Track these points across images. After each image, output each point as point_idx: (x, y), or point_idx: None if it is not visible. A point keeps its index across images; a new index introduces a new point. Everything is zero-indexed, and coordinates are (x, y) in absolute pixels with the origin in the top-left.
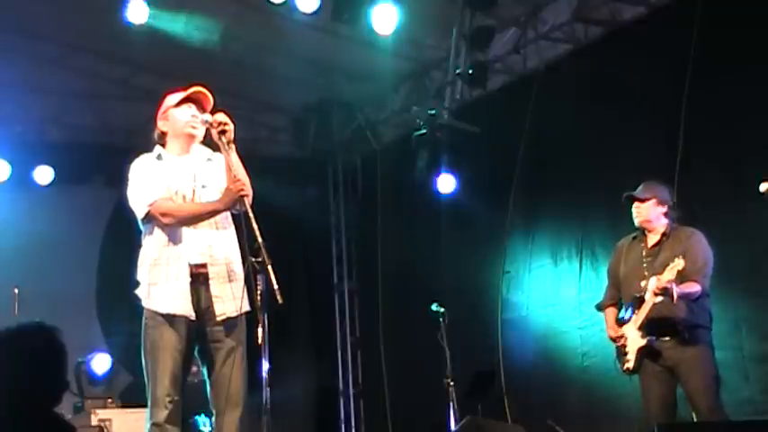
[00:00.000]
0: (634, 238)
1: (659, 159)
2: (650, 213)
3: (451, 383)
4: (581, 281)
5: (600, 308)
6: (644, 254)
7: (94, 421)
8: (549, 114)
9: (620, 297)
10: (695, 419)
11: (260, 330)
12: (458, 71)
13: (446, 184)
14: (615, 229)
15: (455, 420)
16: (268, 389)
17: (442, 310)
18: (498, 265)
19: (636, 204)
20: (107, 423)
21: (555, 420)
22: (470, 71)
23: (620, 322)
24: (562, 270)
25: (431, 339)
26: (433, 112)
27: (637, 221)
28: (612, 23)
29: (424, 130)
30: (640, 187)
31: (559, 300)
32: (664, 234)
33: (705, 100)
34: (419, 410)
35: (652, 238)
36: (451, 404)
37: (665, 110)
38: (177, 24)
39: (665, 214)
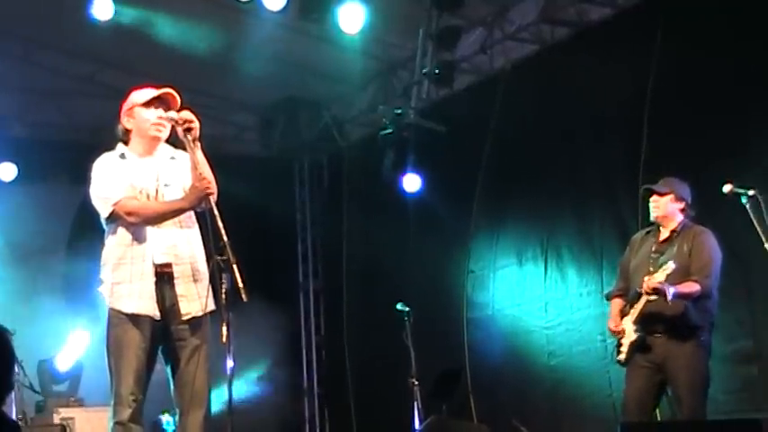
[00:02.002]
0: (648, 232)
1: (624, 159)
2: (667, 208)
3: (416, 383)
4: (546, 281)
5: (607, 297)
6: (653, 249)
7: (57, 420)
8: (516, 114)
9: (629, 289)
10: (659, 419)
11: (224, 329)
12: (424, 71)
13: (412, 183)
14: (581, 229)
15: (420, 420)
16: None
17: (408, 309)
18: (463, 265)
19: (654, 198)
20: (70, 422)
21: (521, 420)
22: (437, 71)
23: (623, 314)
24: (527, 270)
25: (396, 338)
26: (400, 111)
27: (653, 215)
28: (579, 24)
29: (390, 129)
30: (660, 181)
31: (525, 299)
32: (674, 231)
33: (670, 101)
34: (384, 410)
35: (663, 234)
36: (416, 403)
37: (631, 110)
38: (143, 21)
39: (682, 210)
